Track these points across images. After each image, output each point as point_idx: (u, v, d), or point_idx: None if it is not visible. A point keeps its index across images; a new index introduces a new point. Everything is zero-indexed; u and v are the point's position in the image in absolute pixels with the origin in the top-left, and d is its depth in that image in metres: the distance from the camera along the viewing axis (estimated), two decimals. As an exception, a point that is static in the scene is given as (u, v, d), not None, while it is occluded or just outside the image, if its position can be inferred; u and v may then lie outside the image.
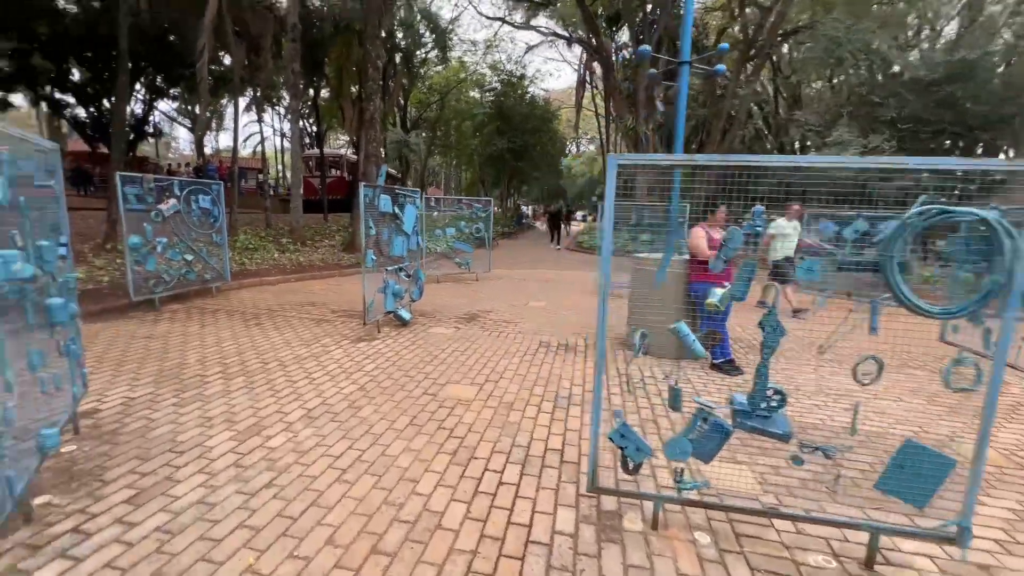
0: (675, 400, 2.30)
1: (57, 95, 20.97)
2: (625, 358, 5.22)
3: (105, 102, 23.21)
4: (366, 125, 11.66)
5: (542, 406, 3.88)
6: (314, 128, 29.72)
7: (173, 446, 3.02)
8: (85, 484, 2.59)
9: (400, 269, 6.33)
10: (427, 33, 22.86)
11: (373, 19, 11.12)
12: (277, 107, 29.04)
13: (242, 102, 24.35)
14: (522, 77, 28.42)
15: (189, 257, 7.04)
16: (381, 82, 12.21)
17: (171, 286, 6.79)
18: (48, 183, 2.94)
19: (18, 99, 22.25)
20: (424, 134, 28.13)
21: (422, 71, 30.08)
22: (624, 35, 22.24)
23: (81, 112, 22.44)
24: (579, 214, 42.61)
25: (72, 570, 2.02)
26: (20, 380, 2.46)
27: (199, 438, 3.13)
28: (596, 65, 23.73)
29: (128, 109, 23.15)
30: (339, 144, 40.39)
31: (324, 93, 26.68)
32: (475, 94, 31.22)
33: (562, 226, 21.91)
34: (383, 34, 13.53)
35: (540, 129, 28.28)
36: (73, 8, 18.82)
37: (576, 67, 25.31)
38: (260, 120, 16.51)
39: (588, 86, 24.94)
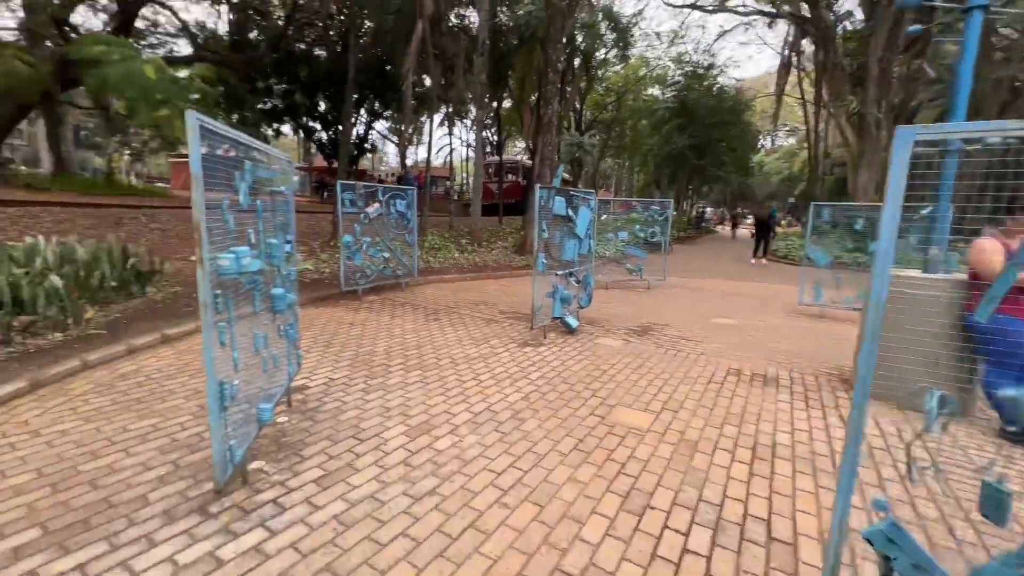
0: (998, 508, 1.46)
1: (309, 123, 26.63)
2: (849, 399, 4.03)
3: (340, 126, 28.68)
4: (543, 129, 11.85)
5: (736, 452, 3.14)
6: (495, 137, 32.04)
7: (356, 432, 3.22)
8: (288, 457, 2.88)
9: (570, 274, 6.07)
10: (608, 32, 22.47)
11: (556, 24, 11.21)
12: (465, 119, 32.14)
13: (436, 119, 27.59)
14: (710, 67, 25.93)
15: (386, 255, 7.96)
16: (559, 85, 12.27)
17: (371, 280, 7.74)
18: (280, 188, 3.39)
19: (286, 128, 29.00)
20: (598, 136, 27.83)
21: (600, 72, 29.82)
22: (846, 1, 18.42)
23: (324, 136, 28.12)
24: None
25: (267, 542, 2.18)
26: (247, 360, 2.84)
27: (378, 428, 3.29)
28: (805, 44, 20.25)
29: (353, 131, 28.16)
30: (516, 151, 42.82)
31: (506, 104, 28.46)
32: (655, 91, 29.68)
33: (770, 234, 17.61)
34: (564, 39, 13.61)
35: (728, 122, 25.43)
36: (323, 54, 23.66)
37: (779, 49, 21.99)
38: (450, 133, 18.32)
39: (795, 69, 21.43)
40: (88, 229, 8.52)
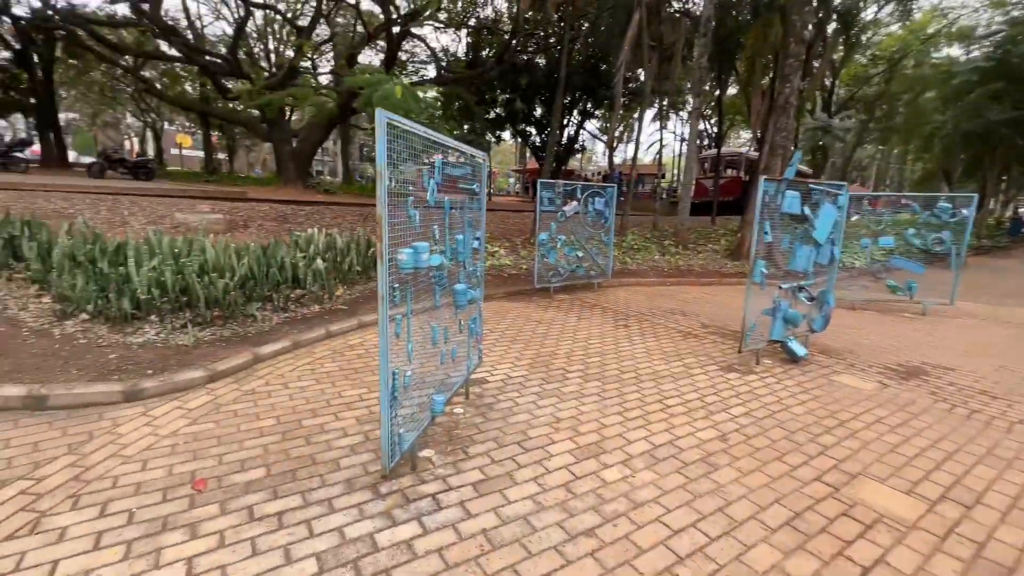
0: None
1: (525, 128, 28.65)
2: None
3: (552, 130, 30.06)
4: (776, 111, 9.95)
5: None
6: (715, 128, 28.97)
7: (523, 439, 3.06)
8: (455, 451, 2.88)
9: (800, 288, 4.82)
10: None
11: (805, -17, 9.22)
12: (681, 112, 29.95)
13: (649, 114, 26.36)
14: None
15: (580, 253, 7.79)
16: (803, 59, 10.10)
17: (564, 278, 7.68)
18: (472, 186, 3.44)
19: (506, 135, 31.88)
20: (853, 118, 22.41)
21: (864, 37, 23.96)
22: None
23: (537, 139, 29.92)
24: None
25: (419, 539, 2.15)
26: (424, 351, 2.94)
27: (544, 439, 3.07)
28: None
29: (565, 132, 29.12)
30: (740, 142, 38.08)
31: (730, 91, 25.39)
32: (952, 50, 22.31)
33: None
34: (815, 1, 11.18)
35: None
36: (542, 61, 25.09)
37: None
38: (662, 128, 17.19)
39: None
40: (352, 223, 10.75)
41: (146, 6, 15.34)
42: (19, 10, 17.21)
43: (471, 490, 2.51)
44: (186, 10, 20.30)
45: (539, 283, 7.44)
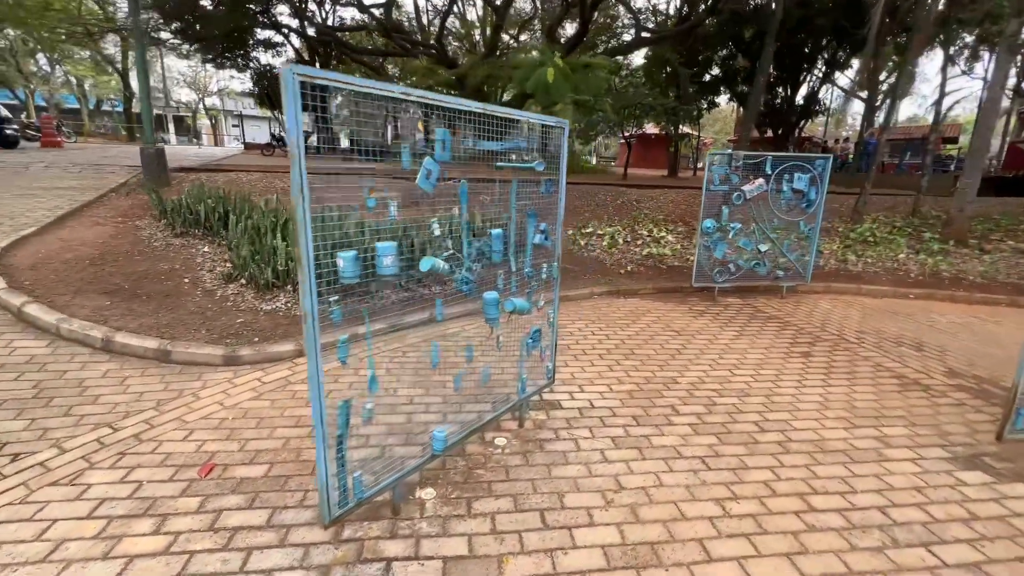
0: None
1: (745, 90, 24.29)
2: None
3: (780, 90, 24.84)
4: None
5: None
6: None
7: (553, 507, 2.26)
8: (458, 501, 2.29)
9: None
10: None
11: None
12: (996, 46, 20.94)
13: (938, 57, 19.13)
14: None
15: (764, 247, 5.97)
16: None
17: (734, 277, 6.03)
18: (528, 164, 2.65)
19: (723, 99, 27.69)
20: None
21: None
22: None
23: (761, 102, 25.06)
24: None
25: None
26: (417, 378, 2.37)
27: (582, 516, 2.21)
28: None
29: (802, 89, 23.71)
30: (1110, 85, 25.20)
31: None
32: None
33: None
34: None
35: None
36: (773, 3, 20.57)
37: None
38: (944, 71, 12.03)
39: None
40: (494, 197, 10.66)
41: (379, 11, 17.91)
42: (309, 29, 22.13)
43: (437, 570, 1.91)
44: (417, 9, 23.14)
45: (698, 281, 5.99)
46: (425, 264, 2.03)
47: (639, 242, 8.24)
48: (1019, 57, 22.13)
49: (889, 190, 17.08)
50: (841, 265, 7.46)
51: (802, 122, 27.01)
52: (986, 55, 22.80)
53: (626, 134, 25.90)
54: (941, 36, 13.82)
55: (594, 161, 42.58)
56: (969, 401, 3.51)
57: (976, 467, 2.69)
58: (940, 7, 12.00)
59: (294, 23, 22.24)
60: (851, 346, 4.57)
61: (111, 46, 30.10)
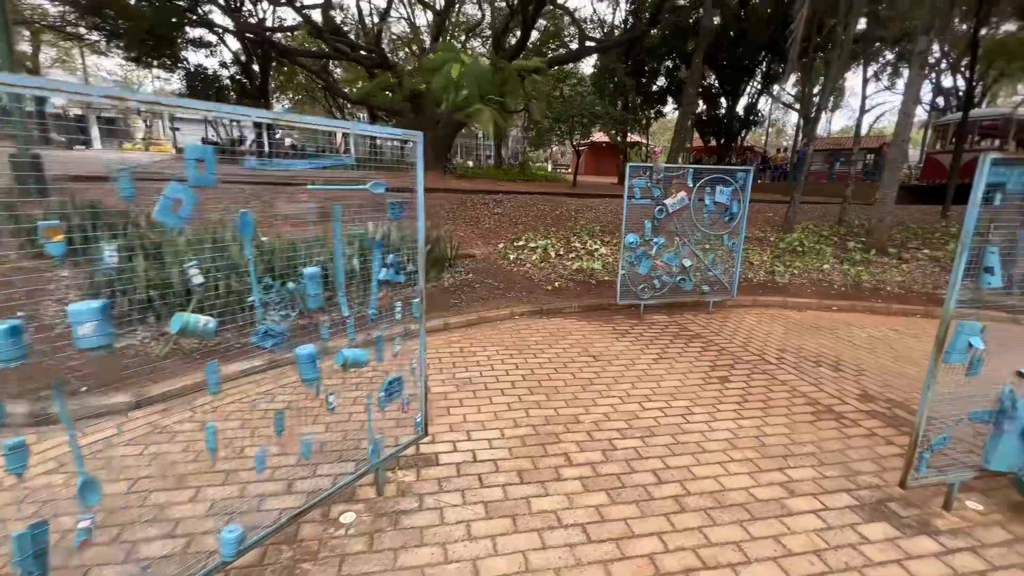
0: None
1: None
2: None
3: (722, 101, 25.67)
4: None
5: None
6: (969, 82, 21.00)
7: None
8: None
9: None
10: None
11: None
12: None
13: (866, 72, 20.29)
14: None
15: (688, 262, 5.78)
16: None
17: (661, 293, 5.81)
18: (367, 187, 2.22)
19: (668, 108, 28.30)
20: None
21: None
22: None
23: (704, 113, 25.82)
24: None
25: None
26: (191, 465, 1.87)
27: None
28: None
29: (739, 100, 24.54)
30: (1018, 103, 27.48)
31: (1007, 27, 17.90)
32: None
33: None
34: None
35: None
36: (714, 20, 21.24)
37: None
38: (864, 86, 12.56)
39: None
40: (449, 211, 10.22)
41: (315, 12, 17.14)
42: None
43: None
44: (360, 12, 22.40)
45: (623, 299, 5.73)
46: (176, 323, 1.54)
47: (572, 255, 7.97)
48: (933, 74, 23.83)
49: (820, 198, 17.82)
50: (770, 277, 7.44)
51: (744, 132, 28.06)
52: (906, 71, 24.33)
53: (575, 142, 25.97)
54: (861, 54, 14.46)
55: (550, 168, 42.73)
56: (880, 431, 3.33)
57: (881, 517, 2.44)
58: (859, 27, 12.57)
59: (229, 22, 21.02)
60: (770, 368, 4.38)
61: None
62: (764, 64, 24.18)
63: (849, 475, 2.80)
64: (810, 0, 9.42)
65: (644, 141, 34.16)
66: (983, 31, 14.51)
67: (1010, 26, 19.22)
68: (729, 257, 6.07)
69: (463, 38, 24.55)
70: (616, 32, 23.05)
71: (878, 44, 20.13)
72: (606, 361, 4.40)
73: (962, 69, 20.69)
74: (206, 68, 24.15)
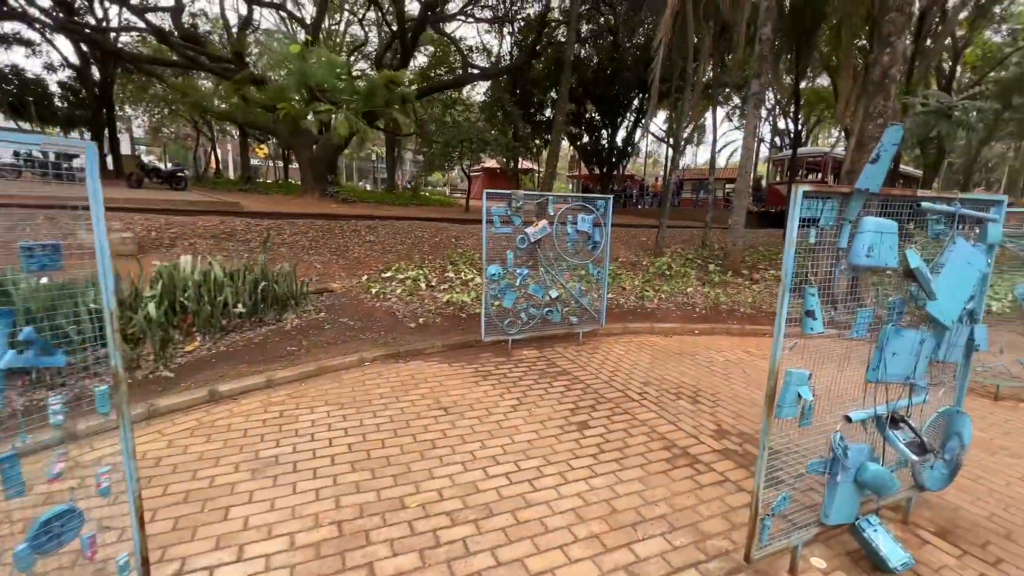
0: None
1: (574, 131, 26.25)
2: None
3: (603, 132, 27.45)
4: (869, 91, 6.99)
5: None
6: (802, 125, 24.77)
7: None
8: None
9: (897, 421, 2.31)
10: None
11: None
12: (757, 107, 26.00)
13: (720, 112, 22.97)
14: None
15: (554, 293, 5.51)
16: (912, 10, 7.00)
17: (529, 327, 5.45)
18: None
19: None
20: (981, 103, 17.64)
21: (995, 8, 19.08)
22: None
23: (587, 141, 27.35)
24: None
25: None
26: None
27: None
28: None
29: (616, 132, 26.35)
30: (832, 141, 33.00)
31: (821, 81, 21.40)
32: None
33: None
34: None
35: None
36: (594, 59, 22.77)
37: None
38: (715, 124, 14.07)
39: None
40: (313, 239, 9.18)
41: (158, 15, 15.10)
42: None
43: None
44: (226, 21, 20.38)
45: (488, 335, 5.27)
46: None
47: (446, 286, 7.42)
48: (771, 117, 27.84)
49: (690, 222, 19.46)
50: (640, 303, 7.54)
51: (623, 161, 30.25)
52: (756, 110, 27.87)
53: (465, 167, 25.92)
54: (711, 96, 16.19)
55: (447, 193, 42.38)
56: (732, 473, 3.15)
57: (729, 596, 2.13)
58: (707, 74, 14.05)
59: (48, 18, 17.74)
60: (631, 405, 4.14)
61: None
62: (637, 99, 26.39)
63: (700, 540, 2.49)
64: (664, 47, 10.19)
65: (536, 168, 35.41)
66: (802, 83, 17.05)
67: (823, 80, 23.16)
68: (596, 287, 5.94)
69: (347, 57, 23.45)
70: (502, 62, 23.61)
71: (727, 88, 23.00)
72: (458, 414, 3.84)
73: (790, 114, 24.30)
74: (20, 68, 20.12)
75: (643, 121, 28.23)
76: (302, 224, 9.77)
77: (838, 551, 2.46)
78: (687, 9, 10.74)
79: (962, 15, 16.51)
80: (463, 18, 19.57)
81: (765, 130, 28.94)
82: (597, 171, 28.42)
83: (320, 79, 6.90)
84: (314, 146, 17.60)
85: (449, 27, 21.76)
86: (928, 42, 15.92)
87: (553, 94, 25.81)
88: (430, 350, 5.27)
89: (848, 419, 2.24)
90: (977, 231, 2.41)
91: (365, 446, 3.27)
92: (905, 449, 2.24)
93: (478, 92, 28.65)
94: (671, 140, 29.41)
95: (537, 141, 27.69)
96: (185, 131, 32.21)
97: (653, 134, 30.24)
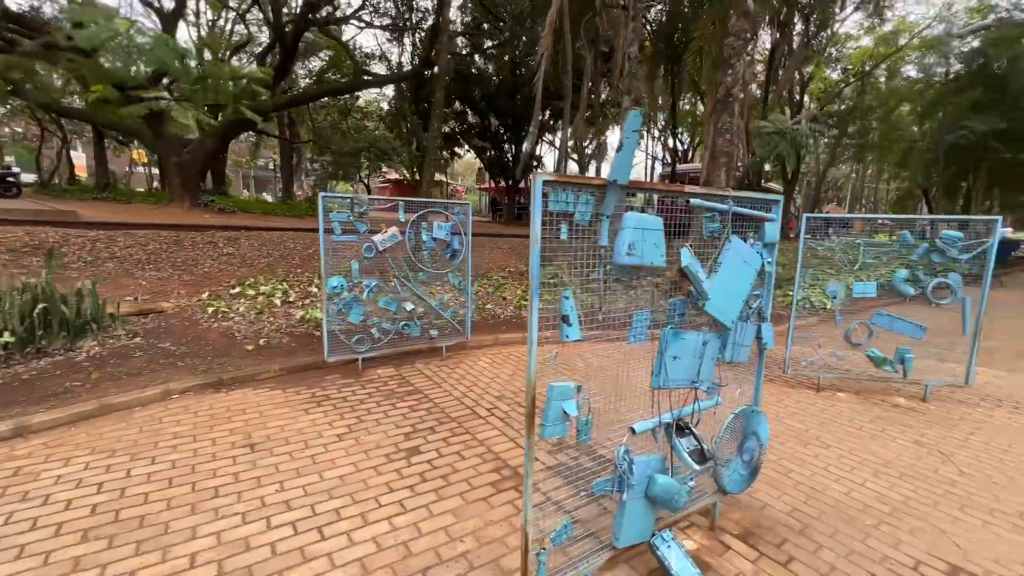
0: None
1: (480, 143, 26.31)
2: None
3: (507, 146, 27.85)
4: (717, 109, 7.56)
5: None
6: (683, 143, 26.93)
7: None
8: None
9: (682, 428, 2.21)
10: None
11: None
12: (653, 126, 27.94)
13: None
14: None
15: (409, 306, 5.13)
16: (749, 36, 7.74)
17: (385, 343, 5.01)
18: None
19: (464, 150, 29.51)
20: (826, 132, 20.44)
21: (831, 50, 22.29)
22: None
23: (493, 155, 27.56)
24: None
25: None
26: None
27: None
28: None
29: (524, 145, 26.83)
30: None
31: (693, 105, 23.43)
32: (927, 60, 20.62)
33: None
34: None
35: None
36: (495, 76, 23.02)
37: None
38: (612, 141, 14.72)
39: None
40: (152, 252, 7.99)
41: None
42: None
43: None
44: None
45: (333, 355, 4.74)
46: None
47: (307, 301, 6.73)
48: (663, 135, 30.03)
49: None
50: (516, 312, 7.40)
51: (528, 174, 30.91)
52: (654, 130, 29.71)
53: (363, 178, 24.88)
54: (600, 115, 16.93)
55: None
56: (557, 493, 2.94)
57: (505, 650, 1.85)
58: (599, 95, 14.70)
59: None
60: (475, 424, 3.85)
61: None
62: (543, 114, 27.15)
63: (495, 579, 2.21)
64: (546, 61, 10.42)
65: (445, 179, 35.04)
66: (680, 103, 18.53)
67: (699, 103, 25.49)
68: (460, 298, 5.66)
69: (228, 54, 21.50)
70: (402, 71, 23.06)
71: (621, 107, 24.49)
72: (267, 450, 3.28)
73: (673, 133, 26.35)
74: None
75: (541, 135, 29.20)
76: (141, 236, 8.47)
77: (642, 571, 2.30)
78: (565, 28, 11.11)
79: (804, 55, 19.01)
80: (356, 23, 18.76)
81: (658, 148, 31.21)
82: (503, 184, 28.72)
83: (156, 60, 5.96)
84: (184, 150, 15.72)
85: (347, 34, 20.83)
86: (780, 73, 18.10)
87: (457, 105, 25.80)
88: (264, 375, 4.61)
89: (633, 431, 2.09)
90: (750, 229, 2.42)
91: (117, 505, 2.62)
92: (688, 458, 2.14)
93: (382, 99, 27.79)
94: (575, 156, 30.69)
95: (445, 153, 27.44)
96: (34, 131, 27.53)
97: (558, 148, 31.26)
